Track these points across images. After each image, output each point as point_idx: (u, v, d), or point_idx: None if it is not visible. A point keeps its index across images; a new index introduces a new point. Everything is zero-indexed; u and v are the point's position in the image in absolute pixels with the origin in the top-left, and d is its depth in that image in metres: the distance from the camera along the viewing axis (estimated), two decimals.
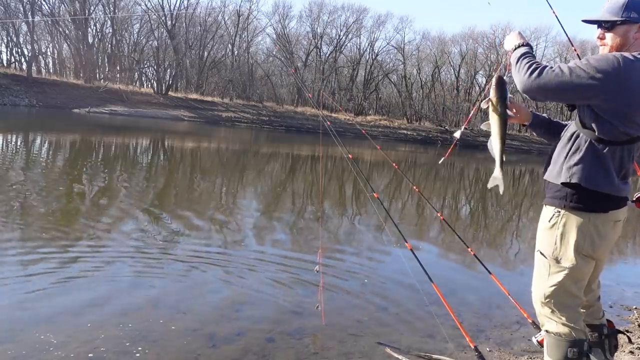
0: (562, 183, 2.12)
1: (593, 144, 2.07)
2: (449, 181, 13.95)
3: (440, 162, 3.29)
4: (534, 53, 2.16)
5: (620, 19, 2.04)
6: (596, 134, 2.05)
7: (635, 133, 2.05)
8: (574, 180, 2.08)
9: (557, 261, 2.16)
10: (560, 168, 2.14)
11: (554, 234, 2.16)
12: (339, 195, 11.04)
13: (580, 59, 2.03)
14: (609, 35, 2.09)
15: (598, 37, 2.14)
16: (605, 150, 2.06)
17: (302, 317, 3.94)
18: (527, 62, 2.06)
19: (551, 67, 2.01)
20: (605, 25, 2.09)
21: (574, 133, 2.15)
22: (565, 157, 2.13)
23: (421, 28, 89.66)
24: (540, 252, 2.23)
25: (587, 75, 1.94)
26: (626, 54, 1.98)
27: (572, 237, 2.11)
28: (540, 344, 2.44)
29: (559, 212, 2.14)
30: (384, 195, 11.12)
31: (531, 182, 19.00)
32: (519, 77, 2.06)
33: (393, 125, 44.64)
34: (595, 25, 2.15)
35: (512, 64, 2.14)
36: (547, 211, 2.21)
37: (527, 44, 2.16)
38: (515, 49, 2.17)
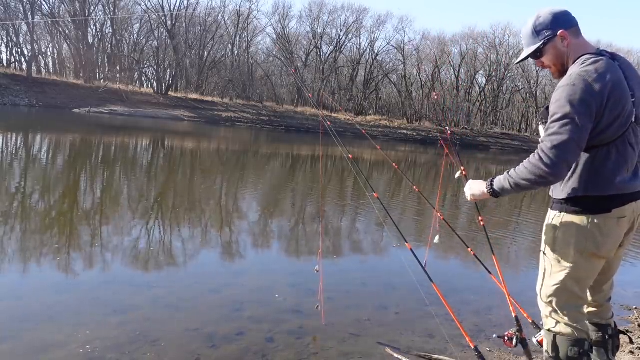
0: (564, 198, 2.14)
1: (586, 154, 2.05)
2: (449, 181, 13.94)
3: None
4: None
5: (541, 44, 2.14)
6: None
7: (622, 129, 2.02)
8: (572, 195, 2.10)
9: (559, 261, 2.17)
10: (562, 184, 2.14)
11: (555, 234, 2.17)
12: (339, 195, 11.03)
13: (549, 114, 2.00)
14: (545, 59, 2.18)
15: (538, 66, 2.25)
16: (599, 154, 2.04)
17: (302, 317, 3.94)
18: (524, 169, 2.01)
19: (540, 150, 1.97)
20: (537, 55, 2.18)
21: None
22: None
23: (421, 28, 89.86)
24: (543, 252, 2.25)
25: (573, 114, 1.91)
26: (578, 72, 1.97)
27: (573, 237, 2.11)
28: (540, 344, 2.44)
29: (561, 213, 2.16)
30: (384, 195, 11.11)
31: None
32: (537, 180, 1.98)
33: (393, 125, 44.64)
34: (530, 60, 2.25)
35: (512, 189, 2.09)
36: (551, 213, 2.23)
37: (492, 179, 2.20)
38: (492, 184, 2.18)
